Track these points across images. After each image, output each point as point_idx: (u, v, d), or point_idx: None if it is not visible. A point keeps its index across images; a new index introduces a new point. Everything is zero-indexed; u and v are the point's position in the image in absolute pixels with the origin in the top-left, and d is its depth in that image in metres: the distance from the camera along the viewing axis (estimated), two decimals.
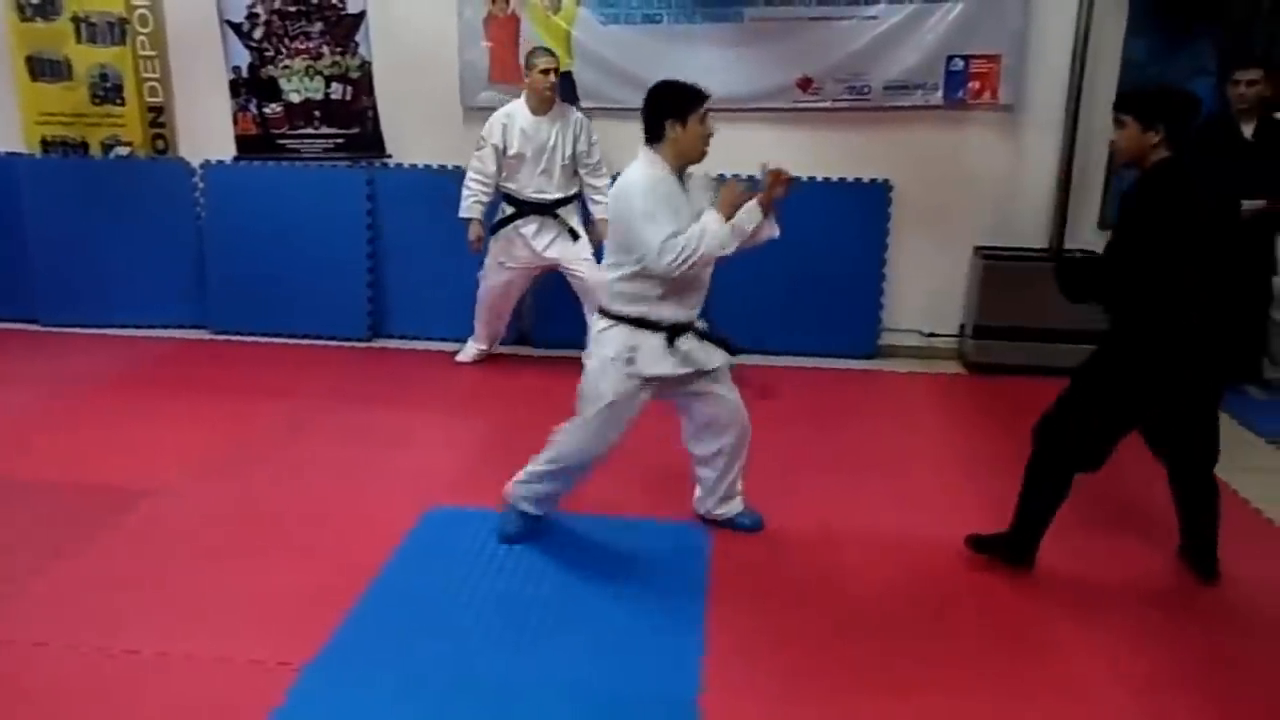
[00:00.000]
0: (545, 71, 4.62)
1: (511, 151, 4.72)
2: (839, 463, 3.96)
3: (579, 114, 4.85)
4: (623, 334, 3.00)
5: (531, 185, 4.75)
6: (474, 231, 4.81)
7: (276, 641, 2.65)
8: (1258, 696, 2.54)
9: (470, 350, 5.20)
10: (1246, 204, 4.51)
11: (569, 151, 4.77)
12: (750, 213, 2.99)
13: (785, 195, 3.04)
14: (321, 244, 5.48)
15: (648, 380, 3.01)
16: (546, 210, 4.79)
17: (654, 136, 2.95)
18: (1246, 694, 2.54)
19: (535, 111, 4.72)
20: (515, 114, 4.74)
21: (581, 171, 4.84)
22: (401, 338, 5.57)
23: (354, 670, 2.56)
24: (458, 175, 5.44)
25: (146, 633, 2.70)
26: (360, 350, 5.44)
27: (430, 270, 5.49)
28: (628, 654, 2.65)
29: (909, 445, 4.19)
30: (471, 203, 4.80)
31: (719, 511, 3.33)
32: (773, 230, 3.11)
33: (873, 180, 5.23)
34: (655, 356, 2.99)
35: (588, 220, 4.93)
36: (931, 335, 5.41)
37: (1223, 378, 2.98)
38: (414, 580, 2.99)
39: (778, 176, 3.01)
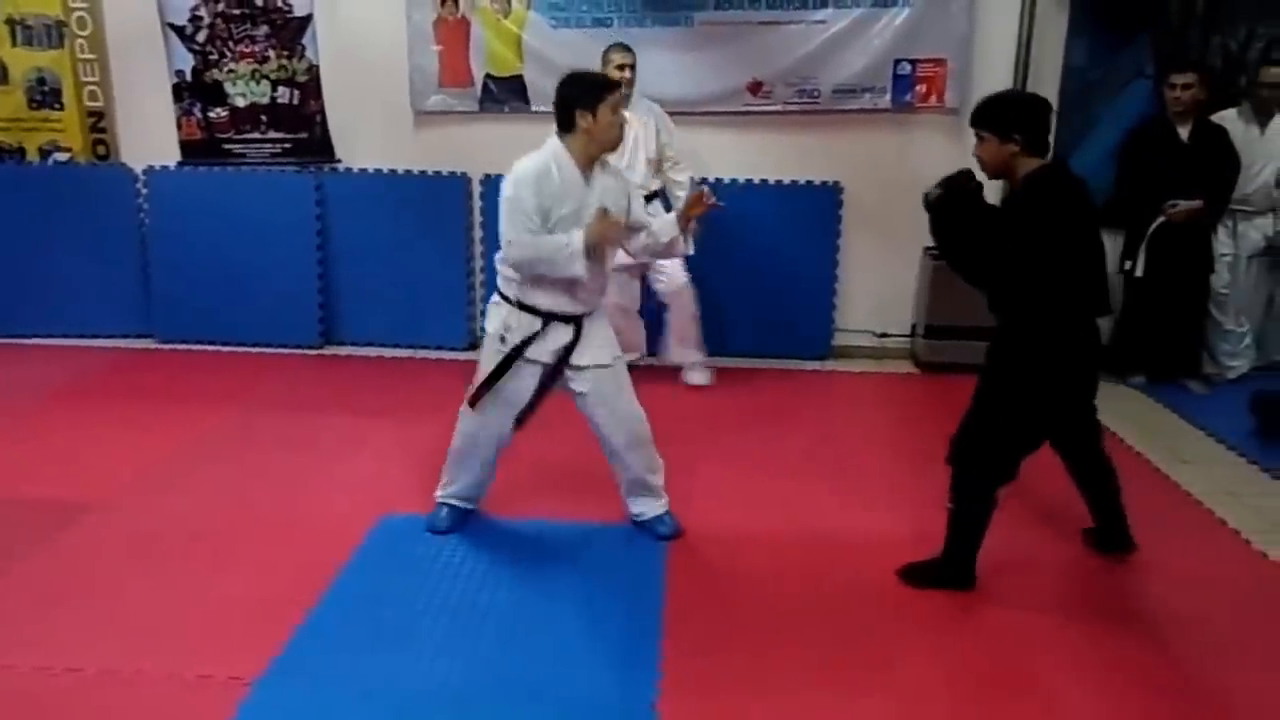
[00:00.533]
0: (620, 68, 4.58)
1: None
2: (794, 463, 3.99)
3: (656, 106, 4.78)
4: (502, 312, 3.08)
5: None
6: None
7: (227, 655, 2.60)
8: (1177, 690, 2.60)
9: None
10: (1182, 204, 4.64)
11: (654, 144, 4.69)
12: (667, 225, 3.18)
13: (701, 215, 3.19)
14: (270, 250, 5.39)
15: (524, 361, 3.05)
16: None
17: (565, 126, 2.97)
18: (1165, 687, 2.60)
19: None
20: None
21: (664, 165, 4.76)
22: (354, 344, 5.51)
23: (307, 683, 2.52)
24: (409, 179, 5.41)
25: (90, 650, 2.63)
26: (312, 357, 5.36)
27: (382, 275, 5.44)
28: (585, 659, 2.64)
29: (862, 444, 4.24)
30: None
31: (629, 507, 3.33)
32: (687, 248, 3.28)
33: (824, 182, 5.28)
34: (524, 336, 3.04)
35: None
36: (884, 335, 5.48)
37: (1098, 369, 2.99)
38: (367, 590, 2.95)
39: (699, 199, 3.14)
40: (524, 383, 3.08)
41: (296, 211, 5.41)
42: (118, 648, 2.64)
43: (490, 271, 5.17)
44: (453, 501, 3.33)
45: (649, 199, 4.70)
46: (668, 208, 4.80)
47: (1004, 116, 2.79)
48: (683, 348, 4.93)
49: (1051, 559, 3.21)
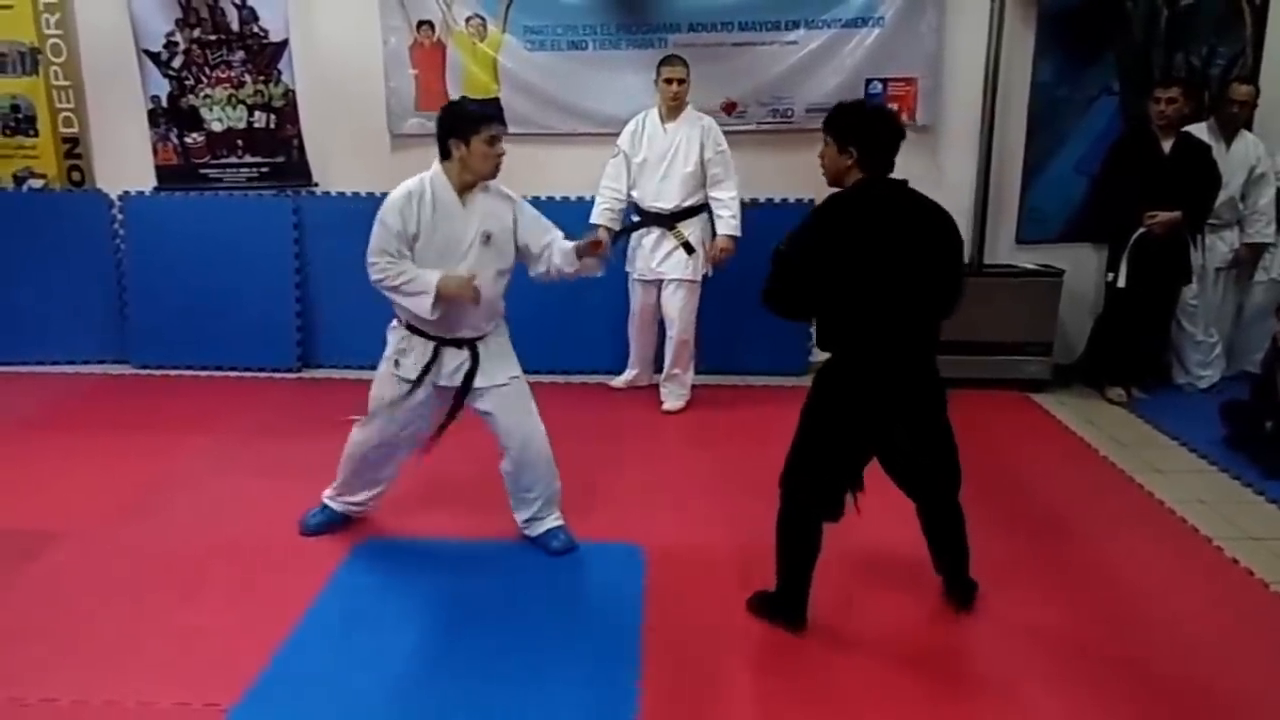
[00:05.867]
0: (669, 81, 4.60)
1: (638, 158, 4.68)
2: (770, 481, 3.98)
3: (709, 121, 4.73)
4: (398, 335, 3.16)
5: (651, 193, 4.67)
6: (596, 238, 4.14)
7: (202, 683, 2.58)
8: (1146, 689, 2.62)
9: (623, 376, 5.17)
10: (1162, 215, 4.71)
11: (695, 159, 4.63)
12: (569, 255, 3.20)
13: (600, 256, 3.27)
14: (248, 274, 5.38)
15: (415, 383, 3.10)
16: (664, 221, 4.69)
17: (442, 154, 3.04)
18: (1134, 688, 2.62)
19: (664, 118, 4.69)
20: (646, 120, 4.72)
21: (707, 182, 4.68)
22: (332, 367, 5.50)
23: (283, 710, 2.49)
24: None
25: (64, 681, 2.59)
26: (290, 381, 5.35)
27: (360, 298, 5.32)
28: (563, 680, 2.63)
29: None
30: (601, 209, 4.71)
31: (524, 529, 3.34)
32: (596, 270, 3.33)
33: (799, 200, 5.32)
34: (418, 362, 3.10)
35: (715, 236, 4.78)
36: None
37: (942, 405, 2.79)
38: (344, 615, 2.94)
39: (598, 244, 3.26)
40: (417, 399, 3.13)
41: (274, 235, 5.41)
42: (92, 677, 2.61)
43: None
44: (335, 506, 3.39)
45: (686, 215, 4.67)
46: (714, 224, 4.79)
47: (845, 126, 2.68)
48: (666, 372, 4.90)
49: (1026, 574, 3.23)
